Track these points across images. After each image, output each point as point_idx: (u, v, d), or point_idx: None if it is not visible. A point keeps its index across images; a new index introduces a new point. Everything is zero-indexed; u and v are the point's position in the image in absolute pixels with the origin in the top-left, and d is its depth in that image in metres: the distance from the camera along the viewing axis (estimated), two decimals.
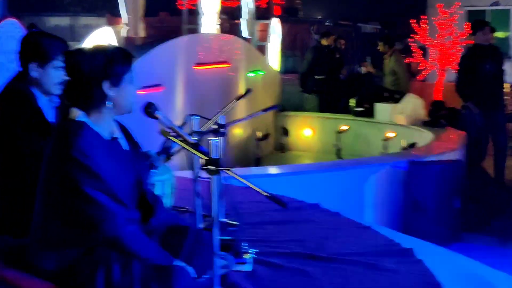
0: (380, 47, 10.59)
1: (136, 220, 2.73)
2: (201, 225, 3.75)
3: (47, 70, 3.59)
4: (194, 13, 10.55)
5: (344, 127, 10.09)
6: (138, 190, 2.86)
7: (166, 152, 3.40)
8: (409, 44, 12.62)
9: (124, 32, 9.55)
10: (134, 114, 2.81)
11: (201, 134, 3.48)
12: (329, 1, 20.91)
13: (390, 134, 8.98)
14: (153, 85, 7.11)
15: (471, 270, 3.57)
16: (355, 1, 19.82)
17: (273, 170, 7.08)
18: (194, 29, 10.34)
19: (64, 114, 2.68)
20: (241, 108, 7.84)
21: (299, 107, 11.70)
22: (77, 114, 2.66)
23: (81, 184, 2.54)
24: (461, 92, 8.19)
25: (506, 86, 10.33)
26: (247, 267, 3.34)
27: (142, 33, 9.92)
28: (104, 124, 2.72)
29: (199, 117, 3.64)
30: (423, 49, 12.09)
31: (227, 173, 2.74)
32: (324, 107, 11.31)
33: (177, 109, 7.84)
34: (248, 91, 3.89)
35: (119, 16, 10.51)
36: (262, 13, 14.09)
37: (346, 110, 10.77)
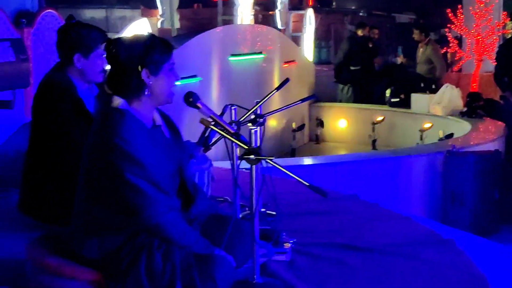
0: (416, 35, 10.49)
1: (177, 208, 2.74)
2: (240, 215, 3.76)
3: (90, 60, 3.64)
4: (228, 4, 10.57)
5: (380, 118, 10.02)
6: (179, 178, 2.86)
7: (205, 142, 3.40)
8: (445, 34, 12.47)
9: (159, 23, 9.61)
10: (173, 104, 2.81)
11: (239, 124, 3.48)
12: None
13: (427, 125, 8.90)
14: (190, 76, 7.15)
15: None
16: None
17: (309, 160, 7.06)
18: (229, 20, 10.35)
19: (106, 102, 2.70)
20: (275, 99, 7.82)
21: (333, 98, 11.65)
22: (119, 102, 2.68)
23: (124, 171, 2.55)
24: (499, 82, 8.09)
25: None
26: (286, 257, 3.33)
27: (177, 24, 9.97)
28: (145, 112, 2.73)
29: (237, 107, 3.64)
30: (459, 39, 11.94)
31: (268, 163, 2.73)
32: (359, 98, 11.25)
33: (212, 99, 7.87)
34: (286, 80, 3.87)
35: (153, 8, 10.57)
36: (295, 4, 14.04)
37: (381, 100, 10.70)
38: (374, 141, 10.03)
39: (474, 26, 11.03)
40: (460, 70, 11.73)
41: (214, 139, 3.40)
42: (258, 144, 2.75)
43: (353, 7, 20.88)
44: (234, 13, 10.12)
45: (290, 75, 10.06)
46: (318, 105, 11.29)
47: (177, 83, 2.84)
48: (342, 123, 11.10)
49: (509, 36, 10.78)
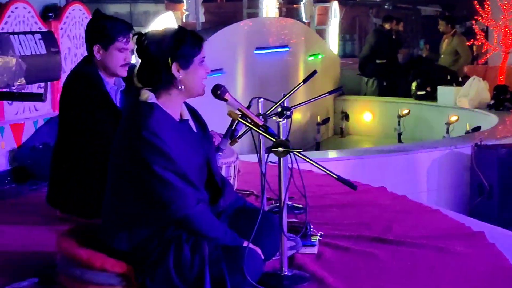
0: (441, 26, 10.40)
1: (205, 201, 2.74)
2: (267, 208, 3.75)
3: (110, 52, 3.64)
4: None
5: (405, 111, 9.95)
6: (207, 172, 2.86)
7: (232, 134, 3.40)
8: (471, 26, 12.35)
9: (184, 17, 9.63)
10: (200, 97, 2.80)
11: (266, 116, 3.47)
12: None
13: (453, 118, 8.82)
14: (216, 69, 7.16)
15: None
16: None
17: (334, 154, 7.04)
18: (253, 13, 10.34)
19: (135, 96, 2.70)
20: (300, 92, 7.80)
21: (357, 91, 11.59)
22: (148, 95, 2.68)
23: (152, 164, 2.56)
24: None
25: None
26: (314, 250, 3.32)
27: (202, 18, 9.98)
28: (173, 105, 2.72)
29: (263, 100, 3.63)
30: (485, 31, 11.81)
31: (297, 155, 2.72)
32: (384, 91, 11.19)
33: (238, 93, 7.87)
34: (313, 72, 3.86)
35: (177, 2, 10.58)
36: None
37: (406, 93, 10.62)
38: (399, 135, 9.97)
39: (501, 18, 10.91)
40: (486, 63, 11.61)
41: (240, 132, 3.39)
42: (286, 137, 2.75)
43: (378, 0, 20.72)
44: (259, 6, 10.11)
45: (315, 68, 10.08)
46: (343, 98, 11.25)
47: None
48: (367, 116, 11.05)
49: None
